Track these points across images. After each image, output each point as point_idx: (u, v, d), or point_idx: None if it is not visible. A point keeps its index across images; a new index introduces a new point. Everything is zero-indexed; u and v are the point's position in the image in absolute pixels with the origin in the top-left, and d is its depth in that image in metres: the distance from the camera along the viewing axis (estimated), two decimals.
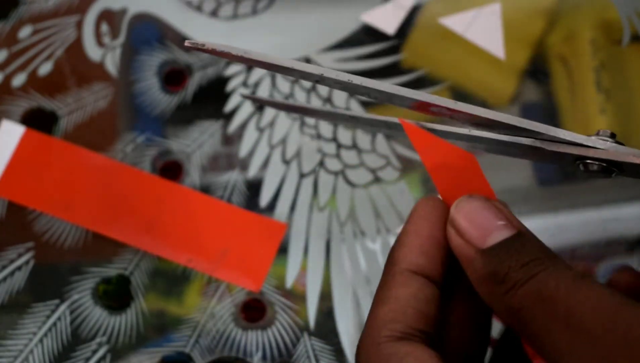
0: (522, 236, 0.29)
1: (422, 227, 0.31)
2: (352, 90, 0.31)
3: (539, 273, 0.27)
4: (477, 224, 0.29)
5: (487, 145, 0.33)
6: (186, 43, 0.30)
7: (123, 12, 0.52)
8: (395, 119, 0.35)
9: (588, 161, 0.30)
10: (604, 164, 0.30)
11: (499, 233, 0.29)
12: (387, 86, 0.31)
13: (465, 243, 0.29)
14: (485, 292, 0.29)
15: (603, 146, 0.30)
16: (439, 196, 0.31)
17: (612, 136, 0.31)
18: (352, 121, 0.39)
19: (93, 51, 0.52)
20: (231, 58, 0.31)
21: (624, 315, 0.25)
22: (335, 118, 0.41)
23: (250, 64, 0.31)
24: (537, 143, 0.31)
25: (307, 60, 0.51)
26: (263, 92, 0.51)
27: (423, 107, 0.31)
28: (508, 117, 0.31)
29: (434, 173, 0.31)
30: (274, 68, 0.31)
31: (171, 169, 0.50)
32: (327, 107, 0.38)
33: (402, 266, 0.30)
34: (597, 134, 0.31)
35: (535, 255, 0.28)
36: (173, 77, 0.52)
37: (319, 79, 0.31)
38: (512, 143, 0.31)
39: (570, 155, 0.31)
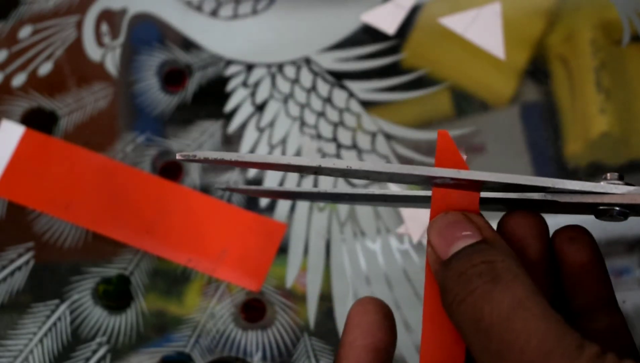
0: (479, 243, 0.28)
1: (355, 337, 0.30)
2: (352, 175, 0.31)
3: (476, 290, 0.26)
4: (444, 237, 0.29)
5: (497, 205, 0.32)
6: (178, 156, 0.29)
7: (123, 12, 0.52)
8: (389, 191, 0.34)
9: (602, 207, 0.30)
10: (617, 209, 0.30)
11: (460, 242, 0.28)
12: (385, 166, 0.30)
13: (436, 258, 0.29)
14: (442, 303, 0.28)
15: (615, 191, 0.30)
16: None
17: (621, 178, 0.30)
18: (350, 199, 0.37)
19: (93, 51, 0.52)
20: (225, 163, 0.30)
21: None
22: (324, 197, 0.38)
23: (245, 166, 0.30)
24: (549, 196, 0.30)
25: (307, 60, 0.51)
26: (263, 92, 0.51)
27: (426, 180, 0.31)
28: (513, 177, 0.30)
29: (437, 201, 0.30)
30: (268, 167, 0.30)
31: (171, 169, 0.50)
32: (315, 189, 0.36)
33: None
34: (606, 178, 0.30)
35: (476, 261, 0.27)
36: (173, 77, 0.52)
37: (317, 170, 0.30)
38: (522, 199, 0.31)
39: (584, 204, 0.30)
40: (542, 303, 0.25)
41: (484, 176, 0.30)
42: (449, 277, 0.27)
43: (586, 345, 0.24)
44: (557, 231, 0.31)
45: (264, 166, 0.30)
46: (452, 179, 0.30)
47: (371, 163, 0.30)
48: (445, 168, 0.30)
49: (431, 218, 0.30)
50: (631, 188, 0.30)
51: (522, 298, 0.25)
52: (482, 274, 0.26)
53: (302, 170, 0.30)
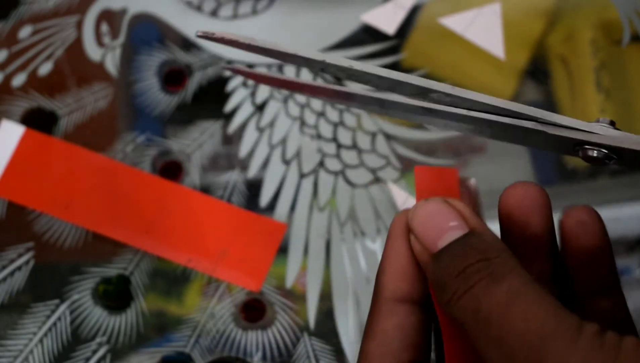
0: (469, 237, 0.27)
1: (400, 247, 0.29)
2: (355, 77, 0.32)
3: (474, 286, 0.26)
4: (430, 228, 0.28)
5: (487, 128, 0.32)
6: (198, 33, 0.31)
7: (123, 12, 0.52)
8: (395, 97, 0.34)
9: (587, 146, 0.30)
10: (604, 151, 0.30)
11: (449, 235, 0.28)
12: (386, 71, 0.31)
13: (422, 249, 0.28)
14: (437, 300, 0.28)
15: (604, 132, 0.30)
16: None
17: (612, 123, 0.30)
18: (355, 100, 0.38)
19: (93, 51, 0.52)
20: (239, 46, 0.31)
21: (550, 351, 0.24)
22: (326, 94, 0.39)
23: (257, 52, 0.32)
24: (539, 126, 0.30)
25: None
26: (263, 92, 0.51)
27: (422, 94, 0.31)
28: (508, 103, 0.30)
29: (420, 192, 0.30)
30: (278, 55, 0.31)
31: (171, 169, 0.50)
32: (319, 82, 0.37)
33: (386, 295, 0.29)
34: (597, 121, 0.30)
35: (473, 259, 0.27)
36: (173, 77, 0.52)
37: (323, 67, 0.31)
38: (512, 125, 0.31)
39: (571, 140, 0.30)
40: (539, 290, 0.26)
41: (475, 97, 0.30)
42: (447, 275, 0.27)
43: (585, 326, 0.25)
44: (567, 211, 0.31)
45: (274, 53, 0.31)
46: (446, 94, 0.30)
47: (373, 67, 0.31)
48: (441, 83, 0.31)
49: (417, 198, 0.30)
50: (620, 132, 0.30)
51: (519, 287, 0.26)
52: (479, 271, 0.26)
53: (309, 64, 0.32)
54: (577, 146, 0.31)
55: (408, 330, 0.29)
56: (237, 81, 0.51)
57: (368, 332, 0.29)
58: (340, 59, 0.31)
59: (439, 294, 0.27)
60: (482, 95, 0.30)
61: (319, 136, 0.50)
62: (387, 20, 0.51)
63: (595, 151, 0.30)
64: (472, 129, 0.33)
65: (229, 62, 0.51)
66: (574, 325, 0.25)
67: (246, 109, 0.51)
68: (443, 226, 0.28)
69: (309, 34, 0.52)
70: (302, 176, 0.49)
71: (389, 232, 0.30)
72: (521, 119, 0.31)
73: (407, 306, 0.29)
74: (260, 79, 0.44)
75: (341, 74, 0.31)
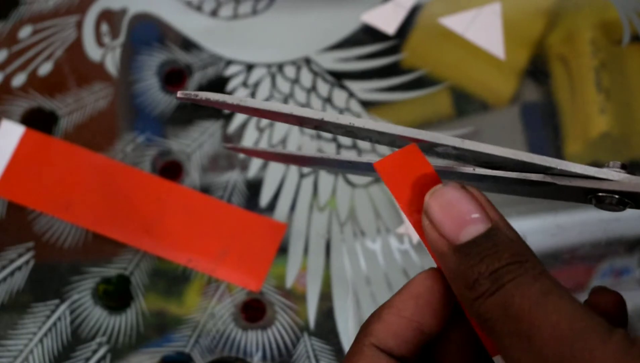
0: (495, 233, 0.28)
1: (407, 307, 0.30)
2: (353, 134, 0.30)
3: (506, 284, 0.26)
4: (450, 217, 0.28)
5: (494, 184, 0.32)
6: (178, 95, 0.28)
7: (123, 12, 0.52)
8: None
9: (601, 194, 0.30)
10: (617, 197, 0.29)
11: (472, 228, 0.28)
12: (387, 126, 0.29)
13: (439, 237, 0.28)
14: (457, 292, 0.28)
15: (616, 178, 0.29)
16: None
17: (624, 167, 0.30)
18: (348, 167, 0.36)
19: (93, 51, 0.52)
20: (227, 107, 0.29)
21: (582, 345, 0.25)
22: (329, 164, 0.38)
23: (246, 113, 0.29)
24: (548, 178, 0.30)
25: (307, 60, 0.51)
26: (263, 92, 0.51)
27: (428, 147, 0.30)
28: (517, 153, 0.29)
29: (395, 190, 0.30)
30: (270, 115, 0.29)
31: (171, 169, 0.50)
32: (320, 154, 0.36)
33: (372, 340, 0.30)
34: (608, 166, 0.30)
35: (505, 261, 0.27)
36: (173, 77, 0.52)
37: (319, 124, 0.29)
38: (520, 179, 0.30)
39: (583, 189, 0.30)
40: (567, 292, 0.26)
41: (487, 149, 0.29)
42: (477, 273, 0.27)
43: (614, 328, 0.25)
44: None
45: (265, 113, 0.29)
46: (454, 148, 0.29)
47: (374, 122, 0.29)
48: (449, 136, 0.29)
49: (393, 193, 0.29)
50: (632, 177, 0.29)
51: (550, 287, 0.26)
52: (512, 271, 0.27)
53: (304, 122, 0.29)
54: (589, 195, 0.30)
55: None
56: (237, 81, 0.51)
57: None
58: (339, 116, 0.29)
59: (466, 290, 0.27)
60: (491, 146, 0.29)
61: (318, 136, 0.50)
62: (387, 20, 0.51)
63: (609, 198, 0.30)
64: (477, 186, 0.32)
65: (229, 63, 0.51)
66: (604, 325, 0.25)
67: None
68: (464, 217, 0.28)
69: (309, 34, 0.52)
70: (302, 176, 0.49)
71: (406, 286, 0.30)
72: (530, 172, 0.30)
73: (388, 359, 0.29)
74: (266, 156, 0.43)
75: (338, 131, 0.30)
